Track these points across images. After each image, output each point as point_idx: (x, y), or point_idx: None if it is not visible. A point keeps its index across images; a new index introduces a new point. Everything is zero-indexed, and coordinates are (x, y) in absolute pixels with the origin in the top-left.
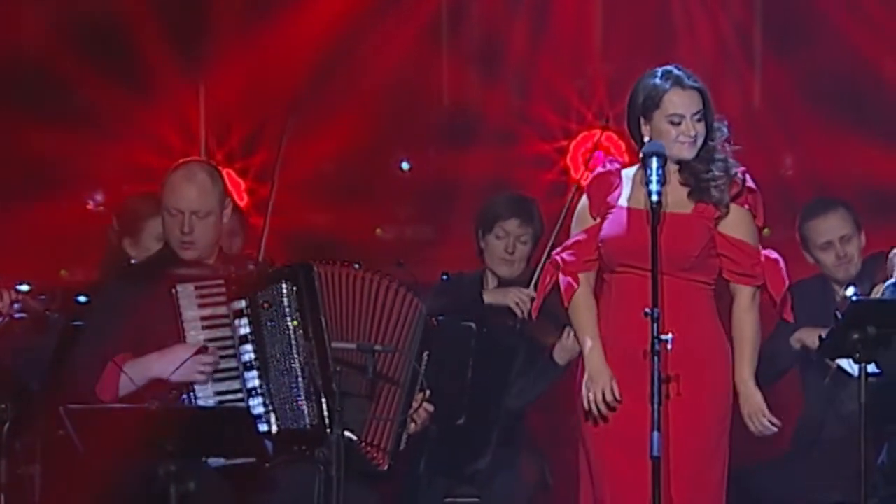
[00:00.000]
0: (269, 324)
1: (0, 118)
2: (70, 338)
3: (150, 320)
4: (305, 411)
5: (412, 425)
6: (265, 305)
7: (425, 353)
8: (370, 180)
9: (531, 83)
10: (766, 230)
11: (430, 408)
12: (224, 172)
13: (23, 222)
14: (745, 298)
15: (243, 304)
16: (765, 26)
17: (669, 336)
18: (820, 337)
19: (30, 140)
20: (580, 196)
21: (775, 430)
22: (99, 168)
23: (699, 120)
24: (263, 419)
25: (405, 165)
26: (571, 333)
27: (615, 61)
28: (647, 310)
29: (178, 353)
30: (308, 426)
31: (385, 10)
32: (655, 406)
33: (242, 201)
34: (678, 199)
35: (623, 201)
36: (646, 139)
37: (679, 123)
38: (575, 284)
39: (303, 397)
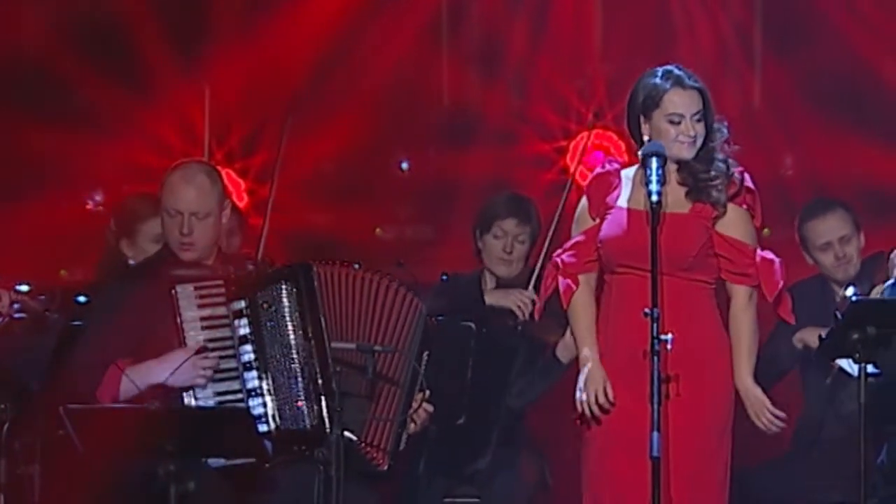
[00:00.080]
0: (268, 324)
1: (0, 118)
2: (69, 338)
3: (149, 321)
4: (305, 411)
5: (412, 425)
6: (265, 306)
7: (425, 354)
8: (370, 180)
9: (531, 83)
10: (766, 230)
11: (430, 408)
12: (224, 173)
13: (22, 222)
14: (741, 298)
15: (243, 304)
16: (764, 26)
17: (669, 336)
18: (820, 337)
19: (30, 140)
20: (577, 195)
21: (783, 424)
22: (99, 168)
23: (699, 120)
24: (263, 419)
25: (405, 165)
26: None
27: (615, 61)
28: (647, 310)
29: (177, 359)
30: (308, 426)
31: (385, 10)
32: (655, 406)
33: (242, 202)
34: (676, 198)
35: (622, 202)
36: (645, 139)
37: (679, 123)
38: (574, 286)
39: (302, 397)
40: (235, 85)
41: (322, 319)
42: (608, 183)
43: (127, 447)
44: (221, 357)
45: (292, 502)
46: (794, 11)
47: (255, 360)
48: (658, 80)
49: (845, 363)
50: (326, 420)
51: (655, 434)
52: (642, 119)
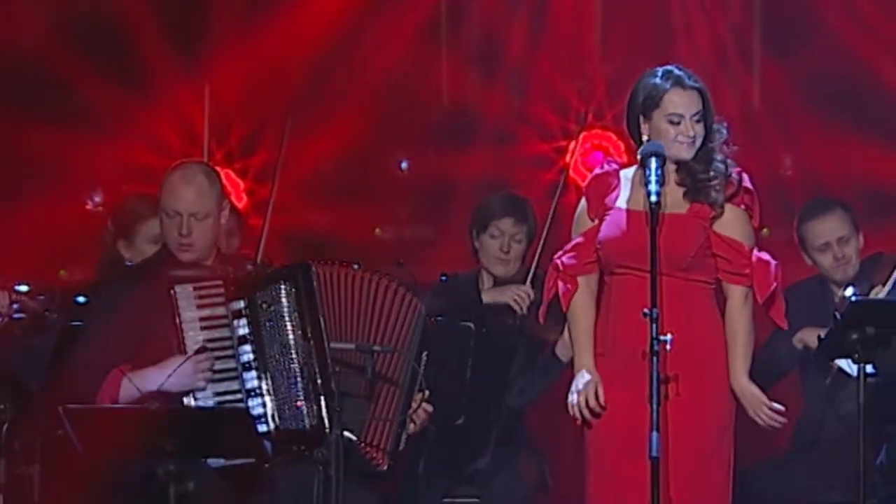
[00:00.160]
0: (267, 324)
1: None
2: (69, 338)
3: (148, 321)
4: (304, 411)
5: (411, 425)
6: (264, 306)
7: (424, 354)
8: (369, 180)
9: (530, 83)
10: (764, 230)
11: (430, 408)
12: (223, 173)
13: (22, 222)
14: (737, 298)
15: (242, 304)
16: (763, 27)
17: (668, 336)
18: (819, 337)
19: (29, 140)
20: (573, 195)
21: (783, 419)
22: (98, 168)
23: (698, 121)
24: (262, 419)
25: (404, 165)
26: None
27: (614, 61)
28: (646, 310)
29: (176, 365)
30: (307, 426)
31: (384, 10)
32: (654, 406)
33: (241, 202)
34: (674, 199)
35: (621, 203)
36: (645, 138)
37: (678, 123)
38: (573, 288)
39: (302, 397)
40: (235, 85)
41: (321, 319)
42: (607, 184)
43: (126, 447)
44: (220, 357)
45: (292, 502)
46: (792, 12)
47: (255, 360)
48: (658, 80)
49: (844, 363)
50: (326, 420)
51: (655, 434)
52: (642, 119)
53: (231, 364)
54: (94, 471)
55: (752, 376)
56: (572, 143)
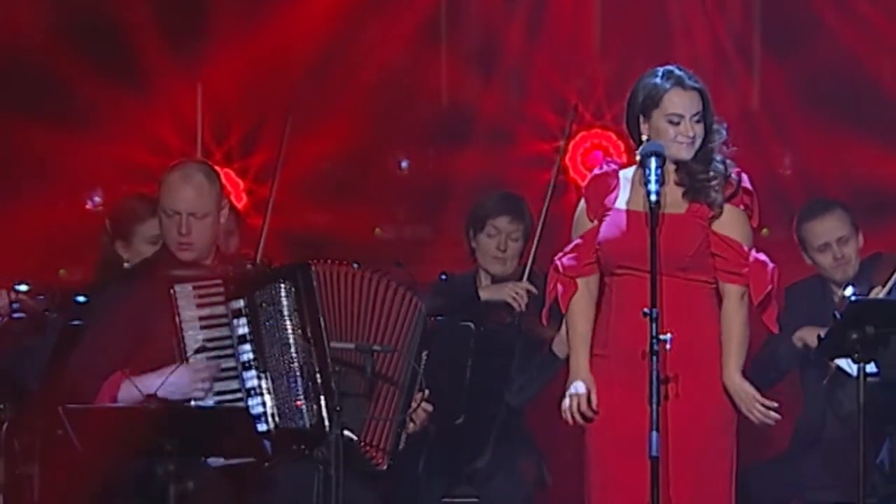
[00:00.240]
0: (267, 323)
1: None
2: (69, 338)
3: (148, 321)
4: (304, 411)
5: (411, 425)
6: (263, 305)
7: (424, 353)
8: (369, 180)
9: (529, 83)
10: (764, 230)
11: (430, 407)
12: (222, 173)
13: (21, 222)
14: (734, 297)
15: (241, 303)
16: (763, 28)
17: (668, 336)
18: (819, 337)
19: (28, 139)
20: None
21: (777, 416)
22: (98, 168)
23: (698, 121)
24: (262, 419)
25: (404, 165)
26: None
27: (614, 61)
28: (646, 310)
29: (176, 373)
30: (307, 426)
31: (383, 9)
32: (654, 406)
33: (241, 202)
34: (673, 199)
35: (621, 204)
36: (644, 138)
37: (678, 123)
38: (572, 290)
39: (301, 397)
40: (234, 84)
41: (321, 319)
42: (606, 184)
43: (126, 447)
44: (220, 357)
45: (292, 501)
46: (791, 12)
47: (254, 359)
48: (658, 80)
49: (844, 363)
50: (325, 419)
51: (654, 434)
52: (641, 119)
53: (231, 363)
54: (93, 470)
55: (753, 376)
56: (563, 139)
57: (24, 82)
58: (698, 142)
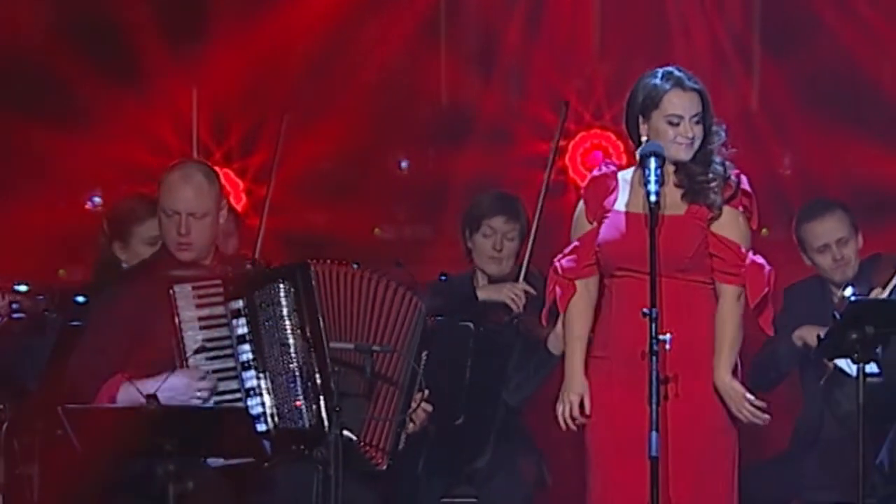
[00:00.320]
0: (266, 323)
1: None
2: (68, 338)
3: (147, 321)
4: (303, 411)
5: (411, 425)
6: (263, 305)
7: (424, 353)
8: (369, 180)
9: (529, 83)
10: (764, 230)
11: (429, 407)
12: (222, 173)
13: (21, 222)
14: (730, 297)
15: (241, 303)
16: (762, 28)
17: (668, 336)
18: (818, 337)
19: (27, 139)
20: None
21: (766, 416)
22: (97, 168)
23: (697, 122)
24: (261, 419)
25: (404, 165)
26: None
27: (613, 61)
28: (646, 310)
29: (175, 380)
30: (306, 426)
31: (383, 9)
32: (653, 406)
33: (240, 202)
34: (673, 200)
35: (620, 206)
36: (643, 139)
37: (677, 124)
38: (571, 292)
39: (301, 397)
40: (233, 84)
41: (320, 319)
42: (605, 186)
43: (125, 447)
44: (219, 357)
45: (291, 502)
46: (791, 13)
47: (254, 359)
48: (658, 81)
49: (844, 363)
50: (325, 419)
51: (654, 434)
52: (641, 119)
53: (230, 363)
54: (93, 471)
55: (754, 377)
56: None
57: (24, 82)
58: (697, 143)
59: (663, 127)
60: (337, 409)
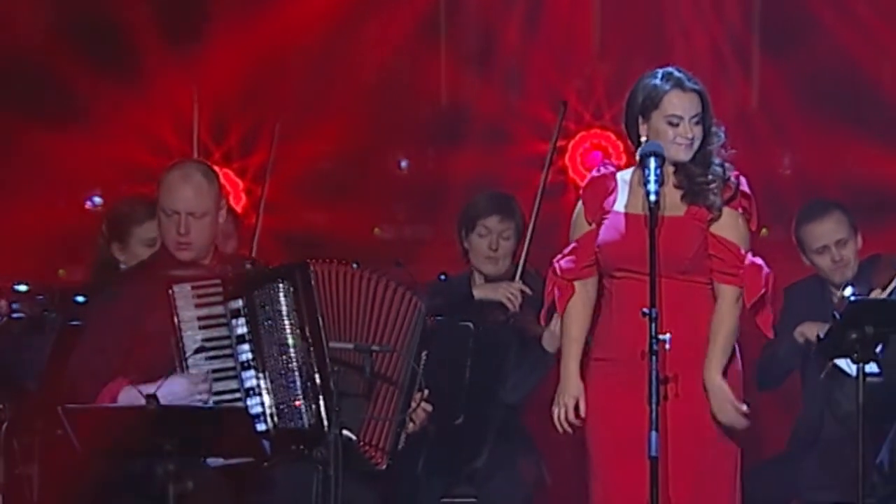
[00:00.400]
0: (266, 323)
1: None
2: (68, 338)
3: (147, 321)
4: (303, 411)
5: (411, 425)
6: (262, 305)
7: (424, 353)
8: (368, 179)
9: (529, 83)
10: (764, 230)
11: (429, 407)
12: (222, 173)
13: (21, 222)
14: (728, 298)
15: (240, 303)
16: (762, 28)
17: (667, 336)
18: (818, 337)
19: (27, 139)
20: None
21: (746, 422)
22: (97, 168)
23: (697, 123)
24: (261, 418)
25: (404, 164)
26: (559, 320)
27: (613, 61)
28: (645, 309)
29: (175, 386)
30: (306, 425)
31: (382, 8)
32: (653, 406)
33: (240, 201)
34: (672, 201)
35: (619, 207)
36: (643, 139)
37: (677, 125)
38: (569, 293)
39: (300, 397)
40: (233, 84)
41: (319, 318)
42: (604, 187)
43: (125, 447)
44: (219, 357)
45: (291, 501)
46: (790, 13)
47: (253, 359)
48: (658, 82)
49: (843, 363)
50: (324, 419)
51: (654, 434)
52: (640, 120)
53: (229, 363)
54: (92, 470)
55: (758, 377)
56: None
57: (24, 82)
58: (697, 143)
59: (663, 127)
60: (336, 408)
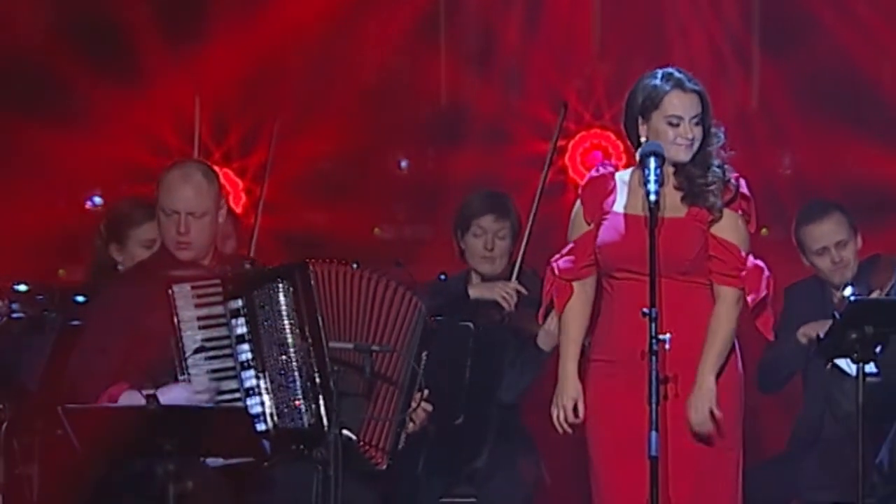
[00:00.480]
0: (265, 323)
1: None
2: (68, 338)
3: (147, 321)
4: (303, 410)
5: (411, 425)
6: (262, 305)
7: (424, 353)
8: (368, 179)
9: (529, 83)
10: (763, 230)
11: (429, 407)
12: (221, 172)
13: (21, 222)
14: (729, 299)
15: (240, 303)
16: (761, 28)
17: (667, 336)
18: (818, 336)
19: (27, 139)
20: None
21: (712, 425)
22: (97, 168)
23: (697, 123)
24: (261, 418)
25: (404, 164)
26: (555, 319)
27: (613, 61)
28: (645, 309)
29: (175, 395)
30: (306, 425)
31: (382, 8)
32: (653, 406)
33: (240, 201)
34: (672, 203)
35: (619, 207)
36: (643, 140)
37: (677, 125)
38: (568, 293)
39: (300, 396)
40: (233, 84)
41: (319, 318)
42: (603, 187)
43: (125, 447)
44: (219, 356)
45: (291, 501)
46: (790, 13)
47: (253, 359)
48: (658, 82)
49: (843, 363)
50: (324, 419)
51: (654, 434)
52: (640, 120)
53: (229, 363)
54: (92, 470)
55: (762, 379)
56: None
57: (24, 82)
58: (696, 144)
59: (663, 128)
60: (336, 408)
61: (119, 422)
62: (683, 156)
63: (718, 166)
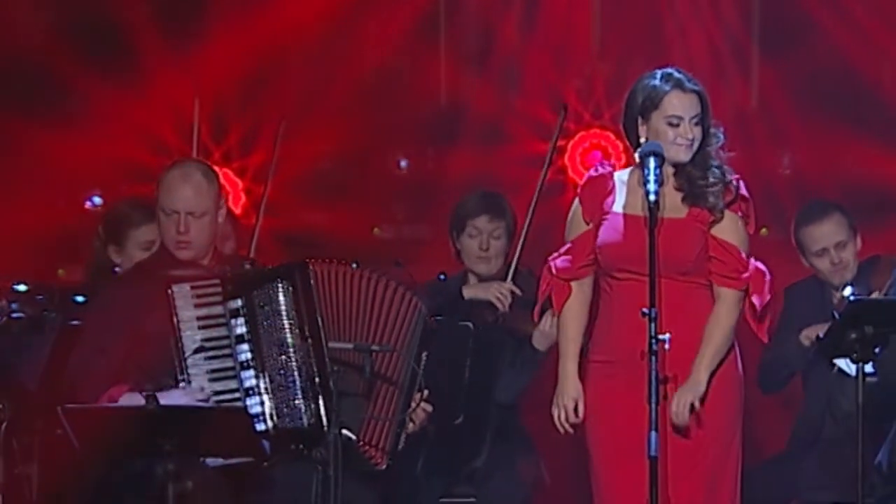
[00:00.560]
0: (265, 323)
1: None
2: (67, 337)
3: (146, 321)
4: (303, 410)
5: (410, 425)
6: (261, 305)
7: (424, 354)
8: (368, 179)
9: (528, 83)
10: (763, 230)
11: (429, 407)
12: (221, 172)
13: (20, 221)
14: (729, 300)
15: (239, 303)
16: (761, 29)
17: (667, 336)
18: (818, 337)
19: (27, 139)
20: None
21: (688, 418)
22: (97, 167)
23: (697, 124)
24: (260, 418)
25: (403, 164)
26: (550, 319)
27: (612, 61)
28: (645, 309)
29: (175, 398)
30: (305, 425)
31: (382, 8)
32: (653, 406)
33: (240, 201)
34: (673, 203)
35: (618, 207)
36: (642, 140)
37: (677, 125)
38: (566, 293)
39: (300, 396)
40: (232, 84)
41: (319, 318)
42: (602, 187)
43: (125, 447)
44: (218, 356)
45: (290, 501)
46: (789, 14)
47: (252, 359)
48: (658, 82)
49: (843, 363)
50: (324, 419)
51: (653, 434)
52: (640, 121)
53: (229, 363)
54: (92, 470)
55: (763, 379)
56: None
57: (24, 82)
58: (696, 145)
59: (663, 128)
60: (336, 408)
61: (119, 422)
62: (683, 156)
63: (718, 167)
